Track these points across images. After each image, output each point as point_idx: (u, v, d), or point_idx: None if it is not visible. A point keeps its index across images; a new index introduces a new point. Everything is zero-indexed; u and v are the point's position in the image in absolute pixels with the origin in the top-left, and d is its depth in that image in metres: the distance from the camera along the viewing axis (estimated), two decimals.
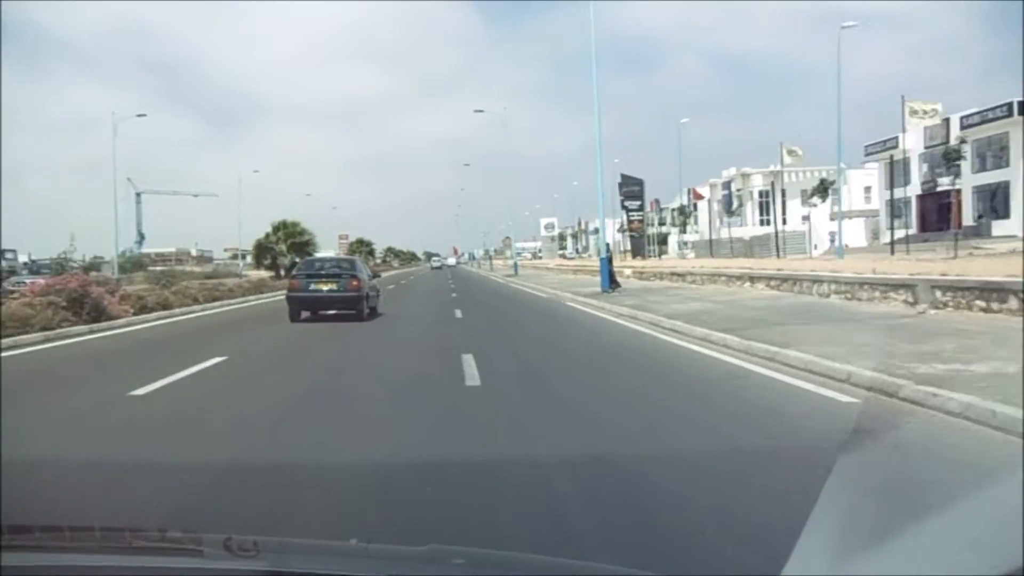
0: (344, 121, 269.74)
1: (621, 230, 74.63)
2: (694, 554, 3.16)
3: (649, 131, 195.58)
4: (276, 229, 44.56)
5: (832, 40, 41.02)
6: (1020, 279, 10.94)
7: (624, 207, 69.04)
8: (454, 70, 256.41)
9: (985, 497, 1.63)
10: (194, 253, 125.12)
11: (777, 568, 1.48)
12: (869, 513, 1.68)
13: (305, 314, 16.57)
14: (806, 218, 55.57)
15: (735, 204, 72.48)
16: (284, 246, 44.04)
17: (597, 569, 2.04)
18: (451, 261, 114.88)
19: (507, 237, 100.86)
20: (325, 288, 16.62)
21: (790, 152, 65.52)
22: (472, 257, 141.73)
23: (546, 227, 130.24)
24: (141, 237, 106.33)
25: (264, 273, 45.20)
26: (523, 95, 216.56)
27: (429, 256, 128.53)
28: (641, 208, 69.65)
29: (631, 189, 69.35)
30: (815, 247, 51.37)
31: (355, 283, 16.76)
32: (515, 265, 57.48)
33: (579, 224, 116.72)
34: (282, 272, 41.95)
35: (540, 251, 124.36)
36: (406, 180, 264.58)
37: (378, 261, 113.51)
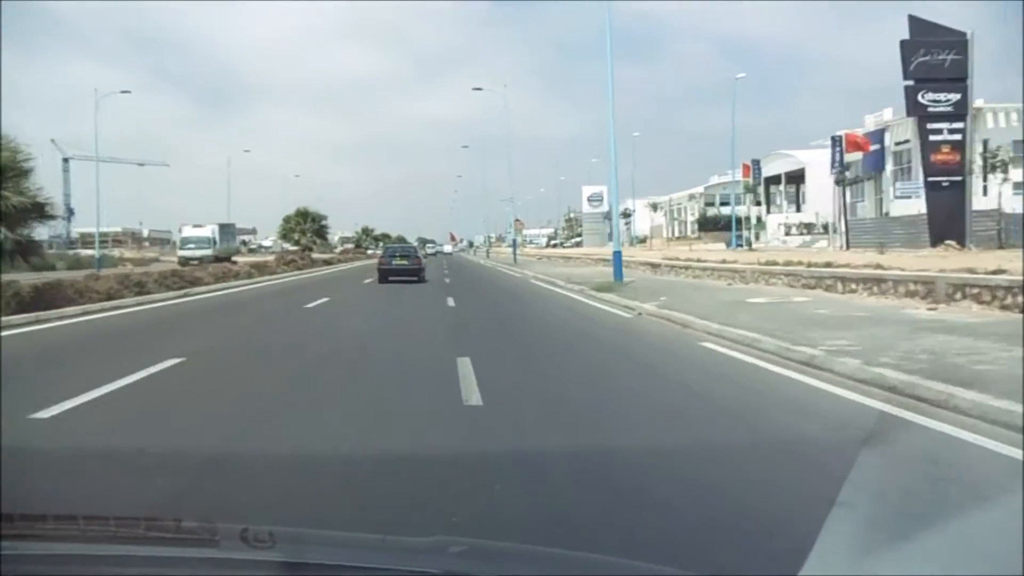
0: (338, 102, 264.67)
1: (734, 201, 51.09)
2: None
3: (650, 120, 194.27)
4: None
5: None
6: None
7: (920, 107, 29.48)
8: (451, 50, 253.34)
9: (1002, 499, 1.61)
10: (146, 233, 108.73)
11: (796, 567, 1.47)
12: (887, 514, 1.66)
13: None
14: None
15: (891, 166, 42.52)
16: None
17: (607, 561, 2.03)
18: (447, 248, 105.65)
19: (517, 219, 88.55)
20: (400, 263, 26.35)
21: None
22: (471, 244, 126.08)
23: (590, 199, 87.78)
24: (70, 212, 78.27)
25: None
26: (522, 77, 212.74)
27: (423, 242, 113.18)
28: (963, 114, 29.52)
29: (935, 58, 28.37)
30: None
31: (418, 260, 27.44)
32: (617, 258, 21.40)
33: None
34: None
35: (556, 237, 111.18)
36: (401, 163, 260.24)
37: (347, 247, 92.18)
